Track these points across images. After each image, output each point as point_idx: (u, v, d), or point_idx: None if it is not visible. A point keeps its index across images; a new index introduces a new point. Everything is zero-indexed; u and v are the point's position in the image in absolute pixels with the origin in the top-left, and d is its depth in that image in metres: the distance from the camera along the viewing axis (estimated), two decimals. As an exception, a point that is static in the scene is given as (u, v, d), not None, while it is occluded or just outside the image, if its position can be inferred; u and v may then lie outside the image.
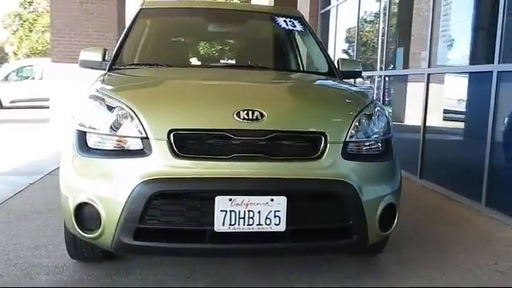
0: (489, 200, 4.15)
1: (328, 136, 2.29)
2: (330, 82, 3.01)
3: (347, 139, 2.34)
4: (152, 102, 2.37)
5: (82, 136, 2.35)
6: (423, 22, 5.78)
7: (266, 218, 2.17)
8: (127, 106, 2.28)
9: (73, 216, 2.28)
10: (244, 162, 2.21)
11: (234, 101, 2.37)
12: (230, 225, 2.16)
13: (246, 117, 2.23)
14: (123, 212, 2.15)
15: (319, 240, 2.28)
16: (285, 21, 3.74)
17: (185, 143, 2.20)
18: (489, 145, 4.12)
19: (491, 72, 4.12)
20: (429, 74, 5.23)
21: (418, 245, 3.28)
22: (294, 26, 3.69)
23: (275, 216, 2.17)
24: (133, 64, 3.22)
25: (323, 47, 3.59)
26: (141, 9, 3.62)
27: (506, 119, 4.00)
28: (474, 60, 4.69)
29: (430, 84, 5.20)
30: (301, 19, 3.76)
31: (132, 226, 2.15)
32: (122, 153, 2.25)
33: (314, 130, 2.32)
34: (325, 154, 2.28)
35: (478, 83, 4.47)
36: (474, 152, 4.39)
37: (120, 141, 2.27)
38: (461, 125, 4.87)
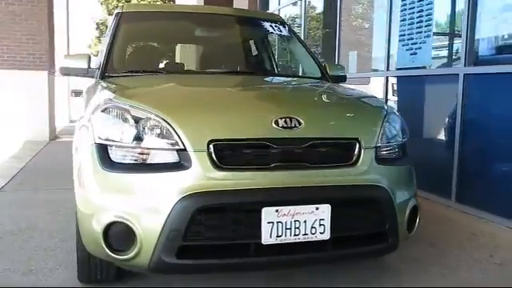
0: (459, 196, 4.38)
1: (362, 141, 2.30)
2: (345, 89, 3.02)
3: (378, 144, 2.36)
4: (187, 112, 2.24)
5: (104, 150, 2.18)
6: (376, 28, 6.01)
7: (312, 227, 2.14)
8: (159, 116, 2.14)
9: (101, 237, 2.10)
10: (285, 170, 2.16)
11: (270, 108, 2.31)
12: (277, 236, 2.10)
13: (285, 125, 2.18)
14: (164, 229, 2.02)
15: (359, 246, 2.28)
16: (271, 25, 3.72)
17: (225, 154, 2.10)
18: (457, 143, 4.35)
19: (457, 75, 4.35)
20: (387, 77, 5.46)
21: (412, 243, 3.38)
22: (281, 31, 3.68)
23: (320, 224, 2.15)
24: (128, 71, 3.03)
25: (311, 51, 3.61)
26: (121, 13, 3.42)
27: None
28: (439, 63, 4.93)
29: (390, 85, 5.41)
30: (284, 24, 3.76)
31: (175, 243, 2.03)
32: (156, 166, 2.11)
33: (348, 136, 2.32)
34: (360, 160, 2.28)
35: (444, 85, 4.70)
36: (444, 151, 4.61)
37: (153, 154, 2.13)
38: (429, 125, 5.08)
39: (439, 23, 4.94)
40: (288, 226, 2.11)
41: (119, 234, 2.09)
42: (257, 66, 3.58)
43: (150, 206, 2.06)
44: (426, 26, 4.94)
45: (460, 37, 4.38)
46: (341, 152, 2.29)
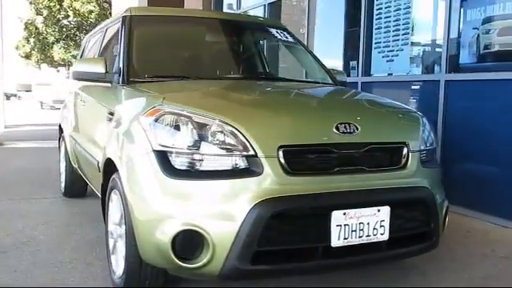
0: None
1: (410, 145, 2.42)
2: (375, 96, 3.10)
3: (421, 148, 2.49)
4: (254, 118, 2.25)
5: (165, 157, 2.14)
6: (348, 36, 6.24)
7: (374, 229, 2.22)
8: (225, 122, 2.13)
9: (169, 246, 2.06)
10: (346, 174, 2.23)
11: (330, 114, 2.37)
12: (344, 239, 2.16)
13: (345, 130, 2.25)
14: (239, 236, 2.02)
15: (410, 245, 2.39)
16: (277, 32, 3.78)
17: (293, 159, 2.13)
18: (439, 146, 4.61)
19: (438, 81, 4.62)
20: (362, 82, 5.67)
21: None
22: (287, 38, 3.74)
23: (381, 226, 2.23)
24: (154, 76, 2.96)
25: (317, 58, 3.70)
26: (130, 16, 3.33)
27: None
28: (420, 70, 5.19)
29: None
30: (288, 30, 3.83)
31: (250, 250, 2.03)
32: (227, 173, 2.10)
33: (398, 140, 2.42)
34: (408, 163, 2.40)
35: (425, 90, 4.96)
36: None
37: (222, 160, 2.11)
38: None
39: (418, 31, 5.19)
40: (354, 229, 2.17)
41: (189, 243, 2.06)
42: (276, 71, 3.62)
43: (222, 213, 2.05)
44: (403, 35, 5.19)
45: (440, 45, 4.66)
46: (392, 156, 2.39)
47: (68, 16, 22.76)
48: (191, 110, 2.21)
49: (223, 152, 2.11)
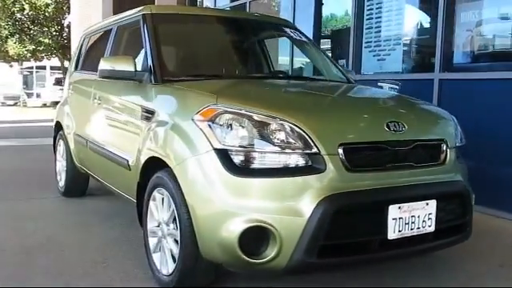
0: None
1: (448, 142, 2.56)
2: (406, 95, 3.21)
3: (456, 144, 2.64)
4: (314, 116, 2.32)
5: (227, 156, 2.19)
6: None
7: (423, 221, 2.34)
8: (287, 120, 2.20)
9: (236, 242, 2.11)
10: (398, 170, 2.34)
11: (381, 113, 2.48)
12: (399, 231, 2.27)
13: (394, 128, 2.36)
14: (305, 231, 2.09)
15: (450, 236, 2.53)
16: (291, 31, 3.85)
17: (351, 156, 2.23)
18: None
19: (432, 80, 4.83)
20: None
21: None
22: (301, 37, 3.83)
23: (429, 218, 2.36)
24: (187, 75, 2.97)
25: (328, 56, 3.80)
26: (151, 14, 3.32)
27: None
28: (414, 69, 5.39)
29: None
30: (299, 29, 3.91)
31: (316, 243, 2.10)
32: (291, 170, 2.16)
33: (438, 137, 2.56)
34: (447, 159, 2.54)
35: (420, 89, 5.16)
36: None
37: (286, 158, 2.18)
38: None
39: (411, 32, 5.40)
40: (407, 222, 2.29)
41: (257, 239, 2.12)
42: (299, 70, 3.69)
43: (289, 209, 2.11)
44: (394, 35, 5.38)
45: (434, 45, 4.87)
46: (434, 152, 2.52)
47: (24, 9, 21.95)
48: (249, 109, 2.26)
49: (286, 150, 2.18)
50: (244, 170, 2.17)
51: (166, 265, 2.57)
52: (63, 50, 23.54)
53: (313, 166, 2.17)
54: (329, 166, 2.17)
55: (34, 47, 23.28)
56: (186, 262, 2.37)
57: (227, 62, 3.49)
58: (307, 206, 2.10)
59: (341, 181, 2.18)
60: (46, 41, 23.17)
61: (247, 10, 7.77)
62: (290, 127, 2.19)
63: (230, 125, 2.23)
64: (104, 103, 3.59)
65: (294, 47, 4.01)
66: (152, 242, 2.72)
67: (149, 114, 2.80)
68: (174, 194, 2.39)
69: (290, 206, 2.11)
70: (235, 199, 2.15)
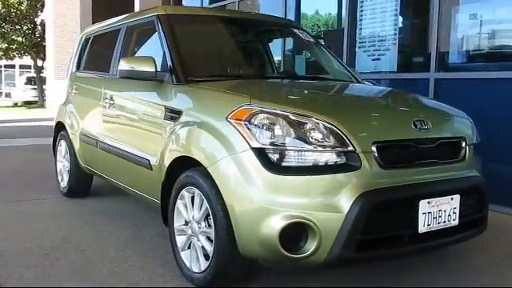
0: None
1: (466, 139, 2.69)
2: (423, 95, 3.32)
3: (473, 142, 2.76)
4: (348, 116, 2.40)
5: (265, 155, 2.25)
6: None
7: (448, 215, 2.45)
8: (323, 120, 2.27)
9: (277, 238, 2.18)
10: (425, 167, 2.45)
11: (407, 112, 2.58)
12: (428, 225, 2.38)
13: (421, 126, 2.47)
14: (344, 226, 2.17)
15: (470, 229, 2.65)
16: (299, 32, 3.93)
17: (383, 153, 2.32)
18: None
19: (428, 79, 4.99)
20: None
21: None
22: (309, 38, 3.91)
23: (453, 212, 2.47)
24: (210, 76, 3.02)
25: (336, 56, 3.90)
26: (166, 14, 3.35)
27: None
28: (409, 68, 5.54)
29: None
30: (307, 31, 4.00)
31: (354, 238, 2.19)
32: (329, 168, 2.24)
33: (458, 135, 2.68)
34: (467, 155, 2.67)
35: (415, 88, 5.31)
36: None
37: (323, 156, 2.25)
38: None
39: (406, 33, 5.55)
40: (435, 216, 2.40)
41: (297, 234, 2.19)
42: (314, 70, 3.77)
43: (328, 205, 2.19)
44: (389, 35, 5.53)
45: (429, 46, 5.03)
46: (455, 149, 2.64)
47: (-4, 6, 21.44)
48: (285, 109, 2.33)
49: (322, 148, 2.25)
50: (283, 168, 2.24)
51: (196, 262, 2.61)
52: (36, 48, 23.07)
53: (349, 164, 2.25)
54: (364, 163, 2.25)
55: (6, 45, 22.74)
56: (220, 259, 2.42)
57: (244, 63, 3.55)
58: (345, 202, 2.18)
59: (375, 177, 2.27)
60: (19, 39, 22.67)
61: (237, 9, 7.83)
62: (326, 126, 2.27)
63: (267, 124, 2.30)
64: (118, 103, 3.59)
65: (304, 47, 4.04)
66: (180, 240, 2.75)
67: (174, 114, 2.83)
68: (208, 192, 2.44)
69: (328, 203, 2.19)
70: (275, 196, 2.21)
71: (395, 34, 5.47)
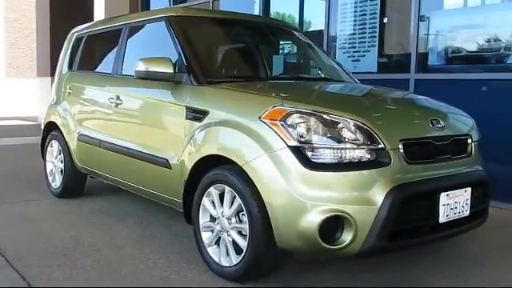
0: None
1: (472, 136, 2.93)
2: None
3: (477, 139, 3.01)
4: (377, 116, 2.58)
5: (301, 153, 2.39)
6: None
7: (462, 207, 2.68)
8: (355, 119, 2.44)
9: (317, 231, 2.32)
10: (442, 162, 2.66)
11: (424, 112, 2.78)
12: (446, 216, 2.59)
13: (436, 125, 2.68)
14: (377, 218, 2.34)
15: (476, 219, 2.88)
16: (300, 35, 4.09)
17: (408, 150, 2.51)
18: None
19: (408, 79, 5.27)
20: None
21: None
22: (307, 40, 4.07)
23: (466, 204, 2.70)
24: (229, 77, 3.13)
25: (334, 58, 4.09)
26: (176, 16, 3.42)
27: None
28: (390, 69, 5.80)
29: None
30: (301, 31, 4.17)
31: (387, 229, 2.36)
32: (363, 164, 2.40)
33: (466, 132, 2.91)
34: (473, 151, 2.91)
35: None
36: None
37: (357, 153, 2.41)
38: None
39: (385, 35, 5.81)
40: (452, 207, 2.61)
41: (335, 227, 2.35)
42: (325, 71, 3.94)
43: (362, 199, 2.36)
44: (369, 37, 5.78)
45: (409, 48, 5.31)
46: (463, 145, 2.87)
47: None
48: (318, 109, 2.48)
49: (356, 146, 2.42)
50: (319, 165, 2.38)
51: (226, 257, 2.72)
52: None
53: (380, 160, 2.43)
54: (393, 159, 2.44)
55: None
56: (255, 253, 2.54)
57: (258, 64, 3.67)
58: (378, 195, 2.36)
59: (403, 172, 2.45)
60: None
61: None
62: (358, 125, 2.43)
63: (302, 124, 2.44)
64: (127, 103, 3.61)
65: (305, 50, 4.20)
66: (206, 236, 2.85)
67: (199, 114, 2.91)
68: (242, 189, 2.55)
69: (363, 196, 2.36)
70: (313, 192, 2.35)
71: (374, 37, 5.73)
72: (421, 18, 5.19)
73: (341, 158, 2.40)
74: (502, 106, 4.58)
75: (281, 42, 4.12)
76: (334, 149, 2.40)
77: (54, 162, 4.66)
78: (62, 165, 4.49)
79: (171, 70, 3.08)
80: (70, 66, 4.65)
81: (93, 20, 11.99)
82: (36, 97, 12.55)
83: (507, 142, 4.52)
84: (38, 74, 12.38)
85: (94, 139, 3.98)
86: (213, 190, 2.78)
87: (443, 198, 2.56)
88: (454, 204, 2.62)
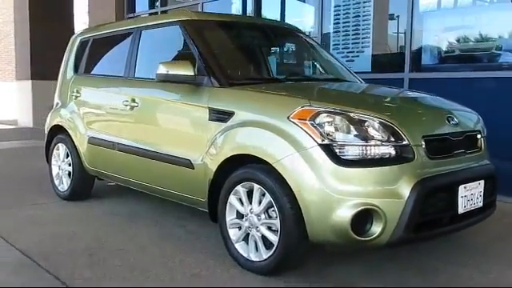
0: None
1: (481, 132, 3.11)
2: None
3: (484, 134, 3.20)
4: (399, 114, 2.74)
5: (331, 150, 2.53)
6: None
7: (477, 198, 2.86)
8: (381, 118, 2.58)
9: (349, 224, 2.46)
10: (458, 157, 2.84)
11: (440, 109, 2.94)
12: (464, 207, 2.76)
13: (453, 122, 2.86)
14: (404, 210, 2.49)
15: (489, 209, 3.06)
16: (304, 35, 4.22)
17: (430, 146, 2.67)
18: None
19: (403, 79, 5.47)
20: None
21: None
22: (312, 41, 4.22)
23: (480, 195, 2.88)
24: (246, 79, 3.24)
25: (335, 56, 4.25)
26: (191, 20, 3.52)
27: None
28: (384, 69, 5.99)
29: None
30: (305, 33, 4.31)
31: (414, 221, 2.52)
32: (389, 160, 2.55)
33: (476, 128, 3.09)
34: (482, 146, 3.09)
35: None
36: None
37: (383, 149, 2.56)
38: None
39: (379, 36, 6.00)
40: (468, 199, 2.79)
41: (365, 219, 2.49)
42: (334, 72, 4.08)
43: (390, 192, 2.50)
44: (363, 38, 5.97)
45: (403, 48, 5.51)
46: (474, 141, 3.05)
47: None
48: (344, 108, 2.62)
49: (382, 143, 2.56)
50: (349, 161, 2.52)
51: (255, 252, 2.83)
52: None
53: (405, 156, 2.58)
54: (417, 155, 2.59)
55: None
56: (287, 247, 2.66)
57: (272, 66, 3.79)
58: (404, 189, 2.51)
59: (426, 167, 2.61)
60: None
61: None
62: (383, 123, 2.58)
63: (331, 122, 2.57)
64: (145, 106, 3.67)
65: (313, 51, 4.34)
66: (233, 232, 2.95)
67: (224, 115, 3.01)
68: (273, 186, 2.67)
69: (390, 190, 2.50)
70: (344, 187, 2.49)
71: (368, 38, 5.91)
72: (414, 18, 5.39)
73: (369, 154, 2.54)
74: (492, 103, 4.80)
75: (291, 44, 4.23)
76: (362, 146, 2.54)
77: (60, 166, 4.68)
78: (70, 168, 4.52)
79: (192, 73, 3.17)
80: (76, 70, 4.68)
81: (72, 23, 11.99)
82: (15, 100, 12.36)
83: (498, 138, 4.75)
84: (18, 78, 12.20)
85: (107, 141, 4.03)
86: (240, 188, 2.88)
87: (461, 190, 2.73)
88: (470, 196, 2.80)
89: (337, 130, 2.56)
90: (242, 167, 2.87)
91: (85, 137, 4.31)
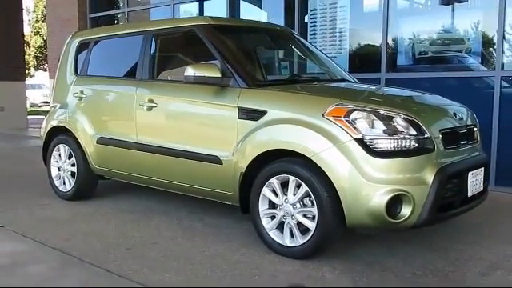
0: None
1: (477, 125, 3.55)
2: None
3: (478, 127, 3.64)
4: (420, 111, 3.09)
5: (364, 143, 2.86)
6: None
7: (480, 183, 3.29)
8: (406, 114, 2.94)
9: (384, 207, 2.80)
10: (464, 147, 3.25)
11: (448, 106, 3.34)
12: (471, 191, 3.18)
13: (457, 116, 3.27)
14: (429, 195, 2.86)
15: (486, 192, 3.49)
16: (303, 39, 4.53)
17: (445, 138, 3.05)
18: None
19: (379, 78, 5.92)
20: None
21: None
22: (313, 45, 4.54)
23: (481, 181, 3.31)
24: (270, 80, 3.51)
25: (329, 57, 4.60)
26: (209, 25, 3.74)
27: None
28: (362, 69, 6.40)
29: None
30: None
31: (437, 203, 2.89)
32: (415, 151, 2.90)
33: (473, 122, 3.52)
34: (478, 138, 3.53)
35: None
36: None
37: (409, 142, 2.91)
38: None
39: (355, 38, 6.41)
40: (474, 184, 3.21)
41: (397, 203, 2.83)
42: (337, 73, 4.39)
43: (418, 179, 2.86)
44: (339, 40, 6.37)
45: (379, 49, 5.95)
46: (472, 133, 3.48)
47: None
48: (373, 106, 2.96)
49: (408, 136, 2.92)
50: (380, 153, 2.86)
51: (290, 238, 3.11)
52: None
53: (427, 147, 2.95)
54: (436, 146, 2.97)
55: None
56: (324, 232, 2.96)
57: (288, 67, 4.07)
58: (428, 176, 2.87)
59: (443, 157, 3.00)
60: None
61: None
62: (407, 119, 2.94)
63: (363, 119, 2.90)
64: (165, 107, 3.84)
65: (317, 54, 4.64)
66: (266, 222, 3.22)
67: (255, 114, 3.25)
68: (310, 178, 2.96)
69: (418, 177, 2.86)
70: (379, 176, 2.82)
71: (345, 40, 6.32)
72: (389, 22, 5.84)
73: (397, 146, 2.89)
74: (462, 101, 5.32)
75: (296, 47, 4.51)
76: (391, 139, 2.89)
77: (61, 166, 4.72)
78: (74, 168, 4.58)
79: (219, 75, 3.39)
80: (77, 71, 4.74)
81: (21, 22, 11.71)
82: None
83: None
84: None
85: (119, 141, 4.15)
86: (274, 181, 3.15)
87: (470, 176, 3.14)
88: (475, 181, 3.22)
89: (369, 125, 2.89)
90: (278, 161, 3.14)
91: (92, 137, 4.39)
